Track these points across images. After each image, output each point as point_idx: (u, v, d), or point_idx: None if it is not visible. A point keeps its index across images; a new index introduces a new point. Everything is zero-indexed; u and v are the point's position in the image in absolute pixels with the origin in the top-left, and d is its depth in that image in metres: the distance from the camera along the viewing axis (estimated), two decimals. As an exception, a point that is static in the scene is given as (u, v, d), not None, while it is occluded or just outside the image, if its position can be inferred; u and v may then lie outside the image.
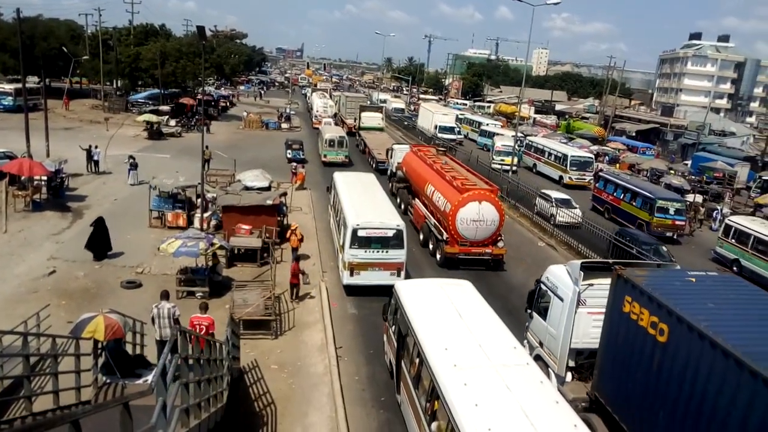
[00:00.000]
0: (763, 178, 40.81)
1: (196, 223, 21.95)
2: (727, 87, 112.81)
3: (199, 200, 22.50)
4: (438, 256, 21.70)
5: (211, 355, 9.79)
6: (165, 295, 12.99)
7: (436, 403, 9.27)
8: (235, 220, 20.73)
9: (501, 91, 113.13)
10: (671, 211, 28.09)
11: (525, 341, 13.62)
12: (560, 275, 12.77)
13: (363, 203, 19.90)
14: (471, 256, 21.18)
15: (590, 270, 11.93)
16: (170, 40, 65.68)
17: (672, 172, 43.85)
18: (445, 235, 21.20)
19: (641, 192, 29.41)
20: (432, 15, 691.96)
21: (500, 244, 21.54)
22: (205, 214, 22.15)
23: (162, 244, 16.61)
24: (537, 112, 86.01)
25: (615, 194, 31.32)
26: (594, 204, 33.01)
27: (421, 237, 23.76)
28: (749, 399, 7.32)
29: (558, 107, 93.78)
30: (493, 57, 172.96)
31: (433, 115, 58.51)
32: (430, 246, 22.64)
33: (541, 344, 13.28)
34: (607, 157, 51.35)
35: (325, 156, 38.39)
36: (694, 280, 10.36)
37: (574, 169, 40.02)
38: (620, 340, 10.35)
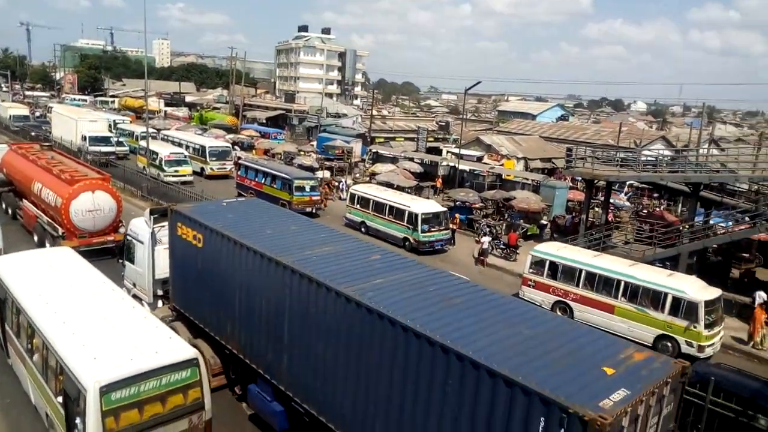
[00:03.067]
0: (373, 150, 48.15)
1: None
2: (335, 74, 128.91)
3: None
4: None
5: None
6: None
7: (34, 340, 10.95)
8: None
9: (124, 84, 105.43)
10: (307, 189, 30.88)
11: (123, 288, 15.37)
12: (140, 225, 15.68)
13: None
14: (93, 246, 21.13)
15: (161, 216, 14.76)
16: None
17: (302, 153, 48.04)
18: (60, 231, 21.00)
19: (279, 174, 31.46)
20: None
21: (122, 230, 21.85)
22: None
23: None
24: (167, 104, 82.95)
25: (257, 179, 32.77)
26: (239, 192, 33.91)
27: (36, 238, 22.85)
28: (237, 260, 11.53)
29: (188, 99, 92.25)
30: (109, 48, 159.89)
31: (77, 122, 44.05)
32: (47, 245, 21.51)
33: (134, 285, 16.01)
34: (243, 145, 53.09)
35: None
36: (225, 204, 14.40)
37: (214, 159, 40.38)
38: (179, 256, 13.78)
